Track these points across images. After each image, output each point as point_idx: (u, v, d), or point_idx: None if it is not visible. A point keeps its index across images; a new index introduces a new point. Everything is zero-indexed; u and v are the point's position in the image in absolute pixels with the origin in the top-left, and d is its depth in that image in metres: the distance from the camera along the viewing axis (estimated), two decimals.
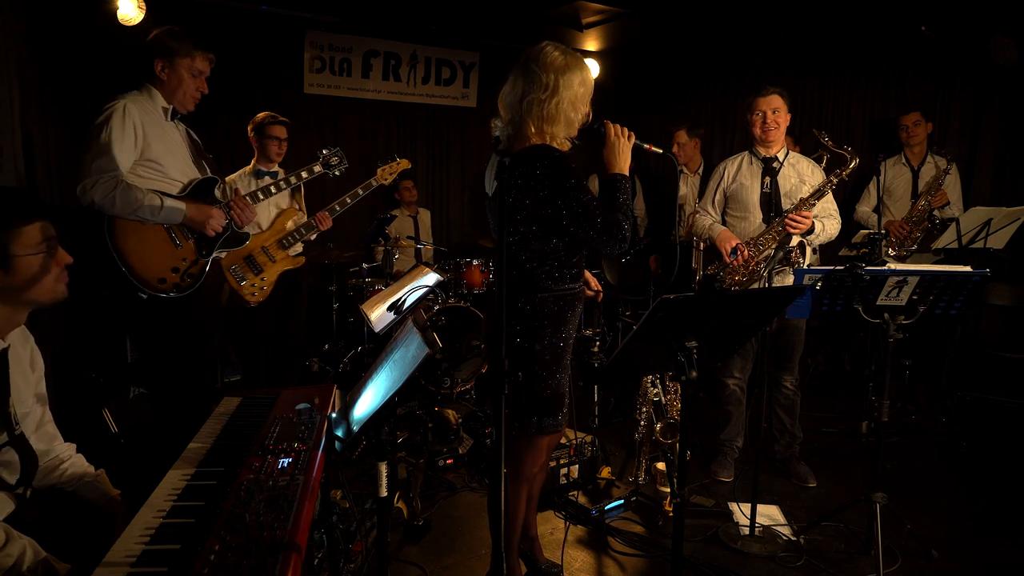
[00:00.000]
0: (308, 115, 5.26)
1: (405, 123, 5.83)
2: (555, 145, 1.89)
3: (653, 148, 2.05)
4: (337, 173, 3.26)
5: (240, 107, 3.52)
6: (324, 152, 3.23)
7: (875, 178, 4.18)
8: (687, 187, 4.49)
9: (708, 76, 5.65)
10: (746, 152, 3.14)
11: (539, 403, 1.97)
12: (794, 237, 2.90)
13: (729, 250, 2.99)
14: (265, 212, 3.48)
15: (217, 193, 2.57)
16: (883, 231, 3.95)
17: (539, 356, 1.94)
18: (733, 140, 5.53)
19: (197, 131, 2.64)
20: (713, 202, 3.18)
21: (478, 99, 5.93)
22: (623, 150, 1.98)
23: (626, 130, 1.99)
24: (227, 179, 3.38)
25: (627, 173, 1.98)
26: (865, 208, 4.24)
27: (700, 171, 4.51)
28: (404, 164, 3.66)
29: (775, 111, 2.98)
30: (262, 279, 3.39)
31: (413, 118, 5.85)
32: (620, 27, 5.30)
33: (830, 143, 2.88)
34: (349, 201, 3.57)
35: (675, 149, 4.37)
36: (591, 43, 5.77)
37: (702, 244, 3.18)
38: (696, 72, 5.73)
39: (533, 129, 1.88)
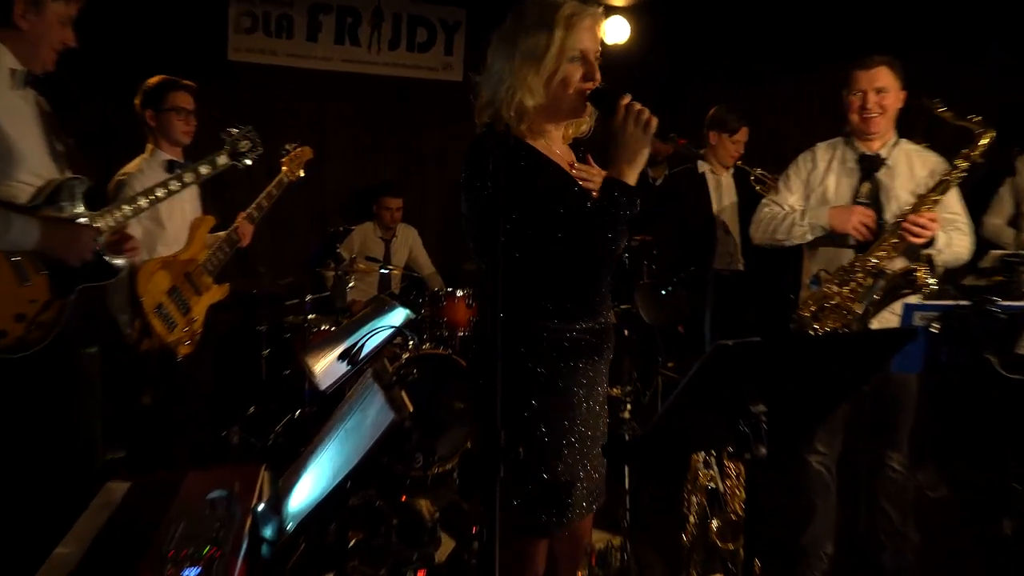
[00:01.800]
0: (233, 91, 5.30)
1: (365, 102, 5.90)
2: (521, 131, 1.93)
3: (683, 142, 1.98)
4: (248, 162, 3.26)
5: (142, 81, 3.54)
6: (233, 132, 3.22)
7: (1008, 180, 4.20)
8: (723, 194, 4.49)
9: (777, 41, 5.70)
10: (840, 140, 3.16)
11: (526, 491, 1.94)
12: (895, 260, 2.91)
13: (857, 222, 2.93)
14: (180, 222, 3.50)
15: (80, 202, 2.52)
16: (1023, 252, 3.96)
17: (530, 423, 1.92)
18: (814, 127, 5.57)
19: (80, 113, 2.64)
20: (791, 203, 3.19)
21: (464, 70, 6.01)
22: (632, 140, 1.88)
23: (647, 112, 1.88)
24: (123, 172, 3.39)
25: (632, 182, 1.89)
26: (997, 220, 4.26)
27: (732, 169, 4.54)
28: (307, 152, 3.78)
29: (880, 91, 2.98)
30: (191, 320, 3.40)
31: (376, 96, 5.92)
32: None
33: (948, 114, 2.86)
34: (265, 204, 3.63)
35: (732, 148, 4.39)
36: None
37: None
38: (761, 37, 5.79)
39: (503, 116, 1.93)
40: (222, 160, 3.16)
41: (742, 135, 4.37)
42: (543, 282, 1.93)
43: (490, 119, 1.95)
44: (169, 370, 3.37)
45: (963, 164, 2.87)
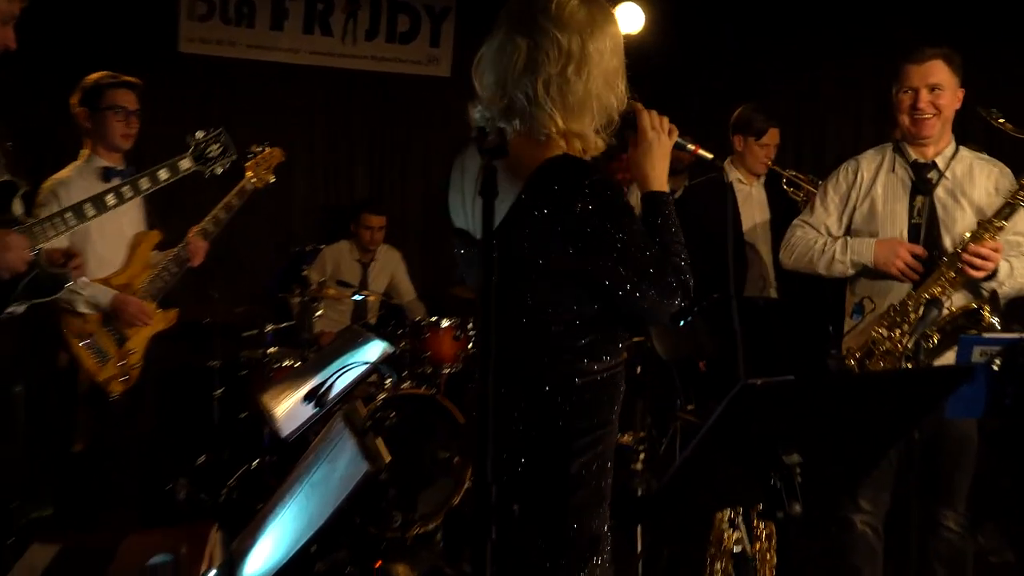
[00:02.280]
0: (184, 87, 5.35)
1: (339, 102, 5.95)
2: (578, 151, 1.92)
3: (700, 150, 2.08)
4: (219, 171, 3.30)
5: (80, 76, 3.57)
6: (198, 135, 3.25)
7: None
8: (753, 208, 4.49)
9: (809, 28, 5.71)
10: (888, 146, 3.17)
11: (567, 551, 1.95)
12: (952, 295, 2.91)
13: (903, 263, 2.94)
14: (117, 239, 3.51)
15: (16, 208, 2.55)
16: None
17: (576, 478, 1.94)
18: (852, 127, 5.59)
19: (16, 113, 2.67)
20: (827, 225, 3.20)
21: (453, 64, 6.05)
22: (662, 152, 2.01)
23: (666, 120, 2.02)
24: (51, 180, 3.41)
25: (667, 189, 2.01)
26: None
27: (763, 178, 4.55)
28: (277, 155, 3.78)
29: (934, 88, 2.98)
30: (128, 352, 3.40)
31: (351, 94, 5.98)
32: None
33: (1009, 126, 2.88)
34: (223, 216, 3.62)
35: (761, 152, 4.42)
36: None
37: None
38: (787, 24, 5.81)
39: (554, 127, 1.90)
40: (185, 165, 3.17)
41: (771, 137, 4.37)
42: (593, 319, 1.95)
43: (504, 122, 1.92)
44: (101, 412, 3.37)
45: None
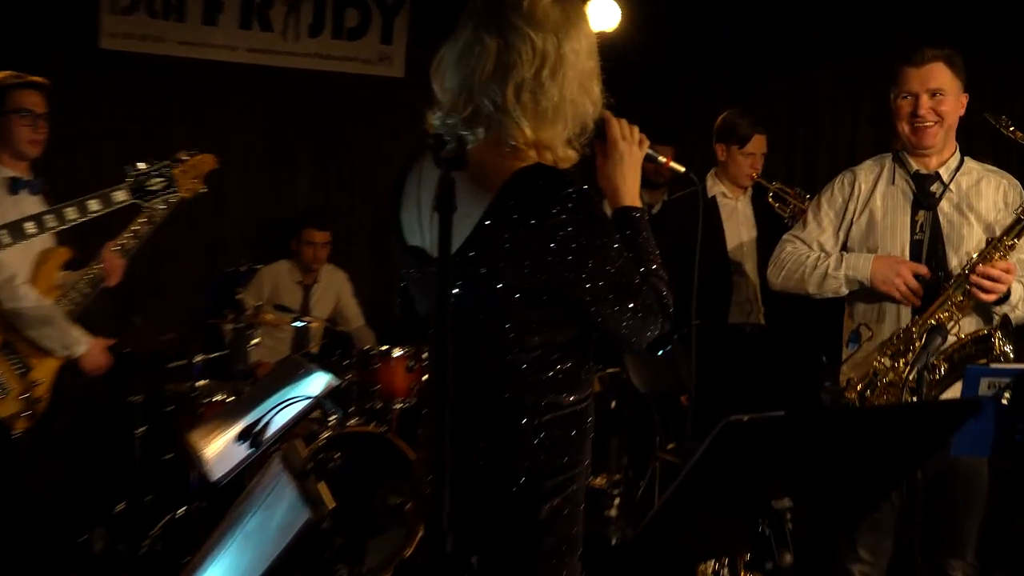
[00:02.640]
0: (105, 87, 5.32)
1: (279, 104, 5.94)
2: (550, 161, 1.93)
3: (672, 163, 2.14)
4: (160, 207, 3.29)
5: None
6: (139, 166, 3.22)
7: None
8: (739, 225, 4.52)
9: (815, 25, 5.78)
10: (888, 156, 3.21)
11: None
12: (960, 320, 2.94)
13: (904, 284, 2.95)
14: (20, 254, 3.44)
15: None
16: None
17: (544, 524, 1.94)
18: (853, 134, 5.65)
19: None
20: (821, 241, 3.23)
21: (407, 63, 6.06)
22: (633, 164, 2.05)
23: (636, 130, 2.06)
24: None
25: (640, 204, 2.05)
26: None
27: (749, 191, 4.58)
28: (208, 161, 3.72)
29: (935, 93, 3.01)
30: (32, 384, 3.35)
31: (294, 96, 5.96)
32: None
33: (1020, 135, 2.90)
34: (145, 230, 3.56)
35: (746, 162, 4.45)
36: None
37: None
38: (795, 23, 5.88)
39: (522, 137, 1.91)
40: (120, 196, 3.14)
41: (755, 145, 4.38)
42: (562, 347, 1.96)
43: (466, 129, 1.93)
44: (2, 452, 3.32)
45: None
